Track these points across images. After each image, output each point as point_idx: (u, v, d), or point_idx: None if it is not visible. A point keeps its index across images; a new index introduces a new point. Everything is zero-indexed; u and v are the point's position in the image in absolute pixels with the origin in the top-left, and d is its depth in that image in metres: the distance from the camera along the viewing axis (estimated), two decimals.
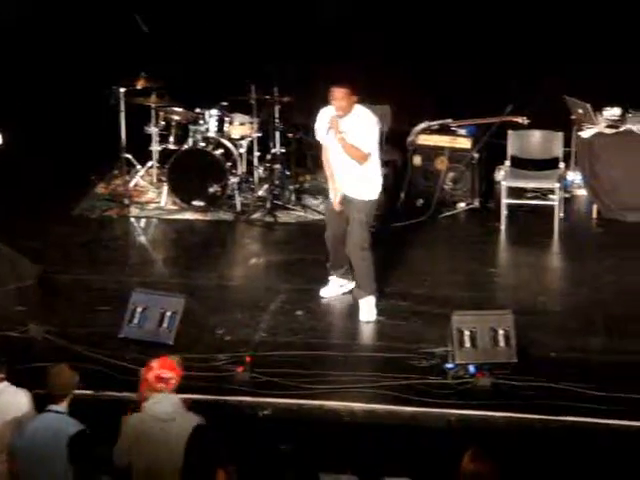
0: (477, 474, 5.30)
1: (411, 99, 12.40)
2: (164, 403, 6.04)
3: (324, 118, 8.29)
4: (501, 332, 7.38)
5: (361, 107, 8.27)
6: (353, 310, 8.39)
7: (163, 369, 6.16)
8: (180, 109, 10.68)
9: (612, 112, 10.48)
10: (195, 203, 10.43)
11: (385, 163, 11.35)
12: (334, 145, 8.25)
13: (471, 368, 7.28)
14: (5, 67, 11.31)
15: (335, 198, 8.40)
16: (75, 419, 6.07)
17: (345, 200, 8.34)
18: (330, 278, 8.69)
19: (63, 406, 6.12)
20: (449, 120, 10.88)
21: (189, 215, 10.44)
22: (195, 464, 5.69)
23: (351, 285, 8.59)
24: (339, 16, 11.64)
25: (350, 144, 8.12)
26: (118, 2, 11.52)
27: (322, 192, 11.00)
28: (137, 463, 5.99)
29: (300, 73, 11.16)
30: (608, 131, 10.24)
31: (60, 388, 6.15)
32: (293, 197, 10.67)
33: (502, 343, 7.34)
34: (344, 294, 8.62)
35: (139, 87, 10.69)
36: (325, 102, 8.30)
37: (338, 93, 8.11)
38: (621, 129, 10.26)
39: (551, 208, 9.86)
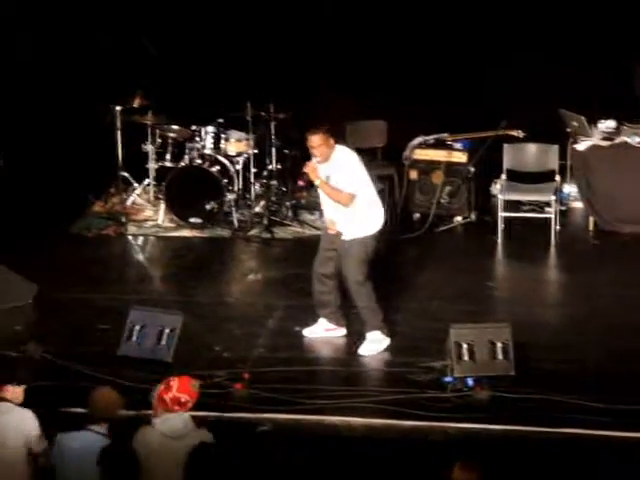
0: None
1: (406, 114, 12.46)
2: (175, 420, 5.97)
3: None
4: (499, 345, 7.37)
5: (341, 147, 7.94)
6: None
7: (182, 393, 6.05)
8: (176, 127, 10.71)
9: (607, 124, 10.52)
10: (192, 220, 10.45)
11: (381, 178, 11.45)
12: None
13: (469, 381, 7.30)
14: (3, 87, 11.33)
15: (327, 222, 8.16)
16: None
17: (337, 236, 8.04)
18: (319, 318, 8.29)
19: (104, 427, 6.07)
20: (445, 134, 10.92)
21: (186, 232, 10.46)
22: None
23: (341, 332, 8.25)
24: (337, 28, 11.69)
25: (333, 188, 7.78)
26: (110, 22, 11.61)
27: (318, 207, 11.02)
28: None
29: (296, 89, 11.19)
30: (603, 143, 10.28)
31: (102, 411, 6.10)
32: (290, 213, 10.69)
33: (500, 356, 7.35)
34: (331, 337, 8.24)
35: (135, 105, 10.74)
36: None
37: (315, 140, 7.72)
38: (616, 141, 10.30)
39: (548, 221, 9.88)
